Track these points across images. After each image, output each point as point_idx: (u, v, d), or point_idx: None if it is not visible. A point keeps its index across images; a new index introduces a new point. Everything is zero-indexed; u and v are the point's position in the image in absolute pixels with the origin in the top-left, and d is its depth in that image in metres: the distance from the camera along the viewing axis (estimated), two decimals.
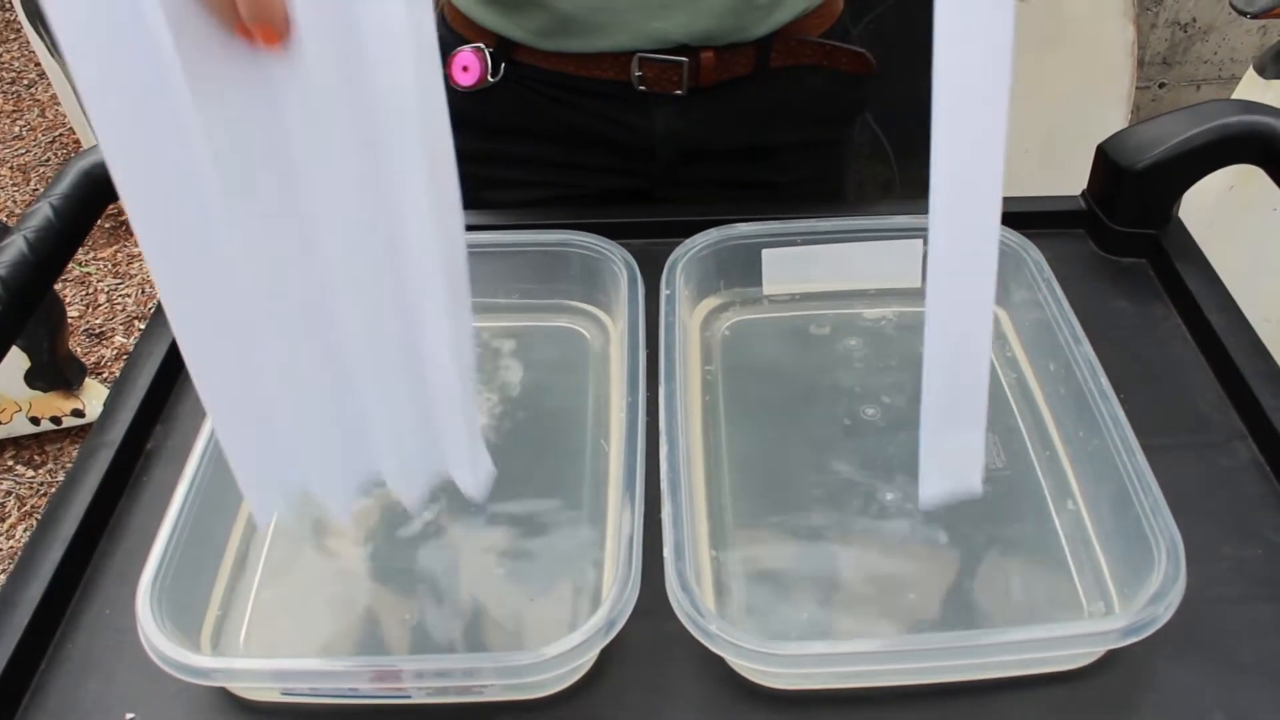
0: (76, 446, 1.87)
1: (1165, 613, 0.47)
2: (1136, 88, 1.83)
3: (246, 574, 0.56)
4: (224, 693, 0.51)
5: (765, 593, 0.55)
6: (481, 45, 0.79)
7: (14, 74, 2.96)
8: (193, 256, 0.42)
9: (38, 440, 1.88)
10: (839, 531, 0.58)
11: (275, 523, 0.57)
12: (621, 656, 0.51)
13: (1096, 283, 0.72)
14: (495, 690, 0.49)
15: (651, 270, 0.67)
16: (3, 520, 1.76)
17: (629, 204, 0.88)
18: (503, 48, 0.79)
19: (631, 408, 0.57)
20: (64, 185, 0.67)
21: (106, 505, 0.59)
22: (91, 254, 2.28)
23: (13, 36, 3.11)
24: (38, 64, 2.90)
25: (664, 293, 0.65)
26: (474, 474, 0.49)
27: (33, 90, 2.88)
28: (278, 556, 0.57)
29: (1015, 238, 0.67)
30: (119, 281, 2.25)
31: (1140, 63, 2.12)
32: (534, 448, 0.63)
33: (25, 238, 0.63)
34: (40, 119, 2.77)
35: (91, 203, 0.68)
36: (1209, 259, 0.71)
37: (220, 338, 0.44)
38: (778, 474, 0.61)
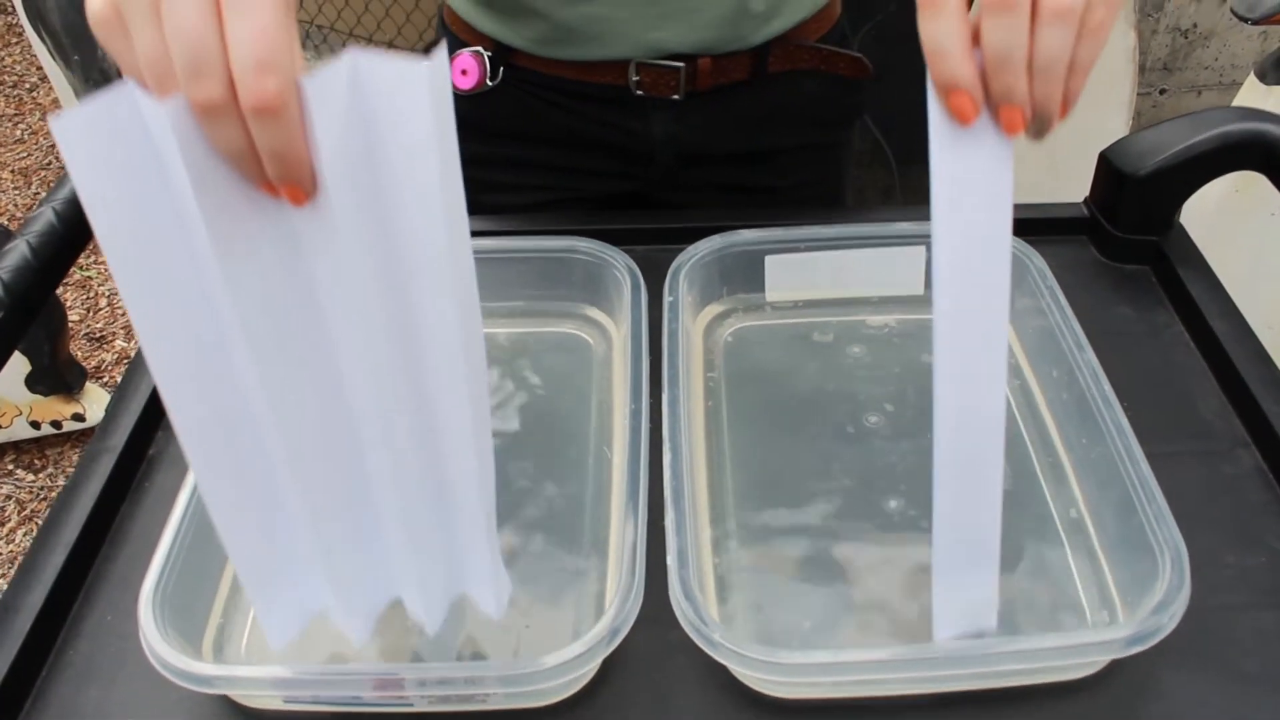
0: (77, 451, 1.86)
1: (1170, 622, 0.47)
2: (1137, 93, 1.83)
3: None
4: (226, 700, 0.51)
5: (769, 601, 0.55)
6: (480, 49, 0.79)
7: (16, 77, 2.96)
8: (216, 402, 0.42)
9: (38, 444, 1.88)
10: (843, 539, 0.57)
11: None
12: (624, 664, 0.51)
13: (1099, 289, 0.72)
14: (498, 699, 0.49)
15: (654, 277, 0.67)
16: (2, 524, 1.76)
17: (632, 210, 0.88)
18: (501, 52, 0.79)
19: (634, 414, 0.57)
20: (67, 190, 0.67)
21: (109, 511, 0.59)
22: (93, 258, 2.28)
23: (15, 40, 3.12)
24: (40, 68, 2.90)
25: (667, 299, 0.65)
26: (495, 593, 0.50)
27: (34, 94, 2.88)
28: None
29: (1018, 244, 0.67)
30: None
31: (1141, 68, 2.12)
32: (537, 454, 0.63)
33: (28, 242, 0.63)
34: (42, 122, 2.77)
35: None
36: (1210, 264, 0.71)
37: (241, 475, 0.44)
38: (781, 482, 0.61)
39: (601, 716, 0.49)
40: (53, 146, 2.67)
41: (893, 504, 0.59)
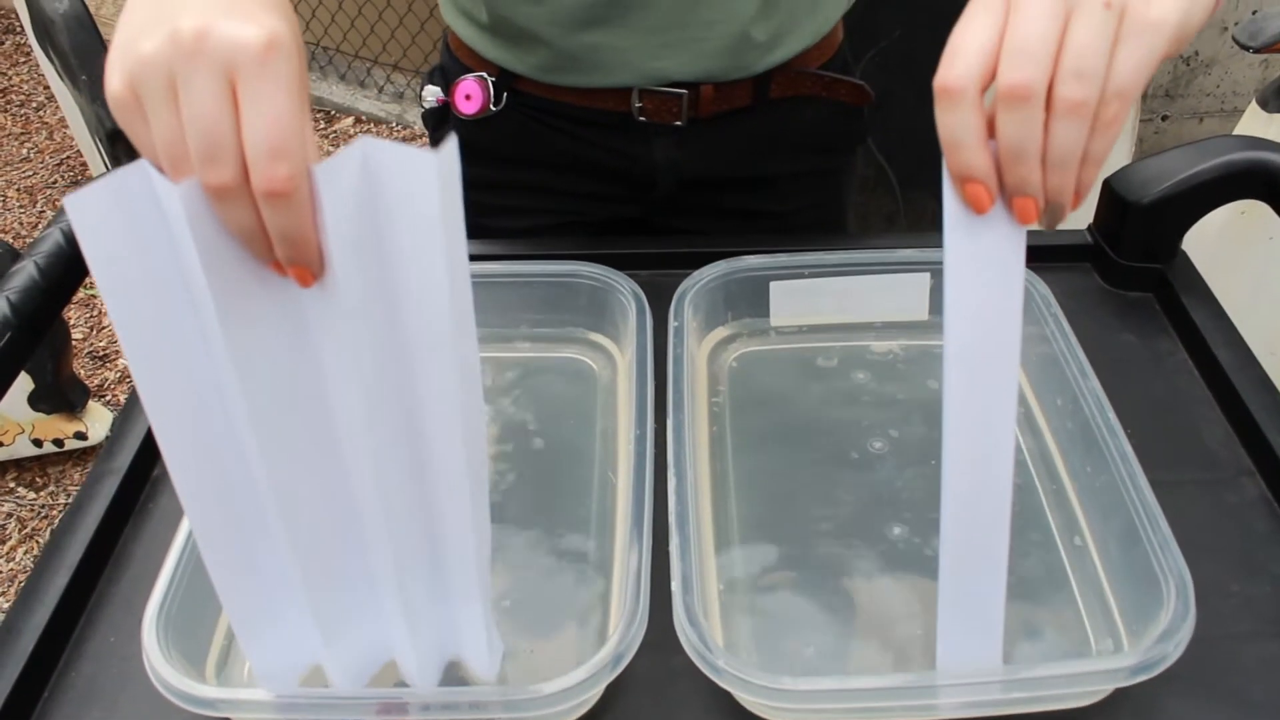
0: (79, 469, 1.86)
1: (1175, 650, 0.47)
2: (1140, 120, 1.83)
3: None
4: None
5: (773, 627, 0.55)
6: (484, 75, 0.80)
7: (23, 96, 2.98)
8: (216, 468, 0.43)
9: (40, 462, 1.88)
10: (847, 566, 0.57)
11: None
12: (628, 690, 0.51)
13: (1103, 317, 0.72)
14: None
15: (659, 302, 0.67)
16: (3, 543, 1.75)
17: (636, 235, 0.88)
18: (505, 78, 0.80)
19: (639, 439, 0.57)
20: None
21: (112, 532, 0.59)
22: None
23: (22, 59, 3.14)
24: (46, 87, 2.92)
25: (672, 324, 0.65)
26: (488, 654, 0.50)
27: (41, 113, 2.90)
28: None
29: None
30: None
31: (1143, 95, 2.13)
32: (541, 479, 0.63)
33: (36, 263, 0.63)
34: (48, 141, 2.78)
35: None
36: (1213, 290, 0.71)
37: (238, 539, 0.45)
38: (786, 507, 0.61)
39: None
40: (58, 165, 2.68)
41: (897, 530, 0.59)
